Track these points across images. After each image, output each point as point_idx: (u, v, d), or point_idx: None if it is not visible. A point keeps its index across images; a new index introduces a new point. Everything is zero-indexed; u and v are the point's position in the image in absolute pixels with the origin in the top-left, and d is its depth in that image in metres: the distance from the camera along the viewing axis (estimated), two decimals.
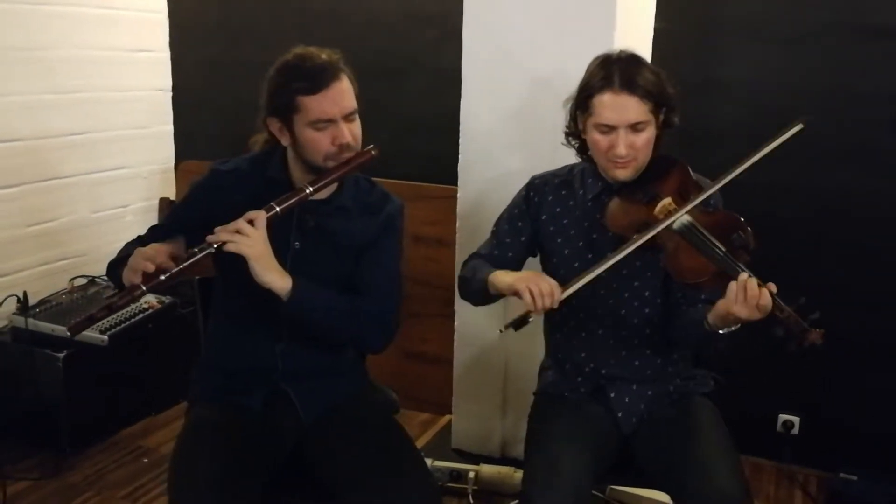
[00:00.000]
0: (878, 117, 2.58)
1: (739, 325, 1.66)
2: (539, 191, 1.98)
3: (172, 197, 3.63)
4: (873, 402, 2.74)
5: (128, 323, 2.91)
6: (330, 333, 1.84)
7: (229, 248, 1.63)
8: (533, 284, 1.71)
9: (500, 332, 1.83)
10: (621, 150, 1.75)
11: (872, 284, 2.67)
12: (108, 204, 3.41)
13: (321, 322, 1.79)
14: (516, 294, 1.74)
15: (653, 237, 1.73)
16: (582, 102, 1.81)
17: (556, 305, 1.72)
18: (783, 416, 2.85)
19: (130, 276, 1.62)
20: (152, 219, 3.57)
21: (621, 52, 1.81)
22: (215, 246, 1.63)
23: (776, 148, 1.73)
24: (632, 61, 1.77)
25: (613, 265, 1.74)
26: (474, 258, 2.03)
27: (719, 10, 2.70)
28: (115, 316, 2.81)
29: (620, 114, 1.74)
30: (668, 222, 1.72)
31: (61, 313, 2.92)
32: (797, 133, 1.73)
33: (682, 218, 1.72)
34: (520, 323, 1.75)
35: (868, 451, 2.75)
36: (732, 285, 1.59)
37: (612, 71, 1.75)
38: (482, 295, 1.92)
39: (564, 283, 1.75)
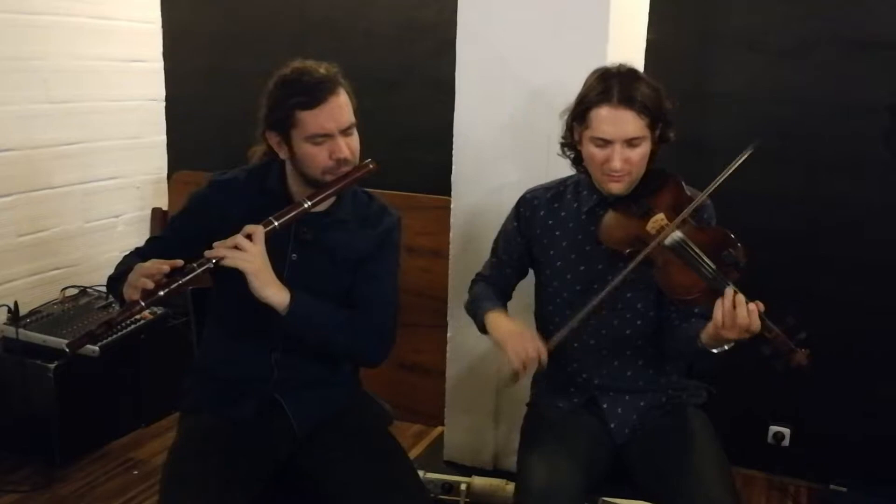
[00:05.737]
0: (872, 129, 2.60)
1: (733, 344, 1.66)
2: (529, 206, 1.99)
3: (165, 207, 3.63)
4: (863, 412, 2.75)
5: (119, 334, 2.88)
6: (327, 346, 1.84)
7: (227, 263, 1.63)
8: (521, 349, 1.76)
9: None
10: (616, 164, 1.76)
11: (864, 295, 2.68)
12: (101, 214, 3.40)
13: (318, 335, 1.79)
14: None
15: (644, 256, 1.73)
16: (579, 114, 1.81)
17: (544, 366, 1.78)
18: (774, 428, 2.85)
19: (130, 293, 1.62)
20: (144, 229, 3.56)
21: (620, 66, 1.80)
22: (214, 261, 1.63)
23: (733, 172, 1.74)
24: (631, 76, 1.77)
25: (595, 306, 1.76)
26: (478, 281, 2.07)
27: (712, 21, 2.72)
28: None
29: (617, 128, 1.74)
30: (656, 241, 1.72)
31: (53, 324, 2.91)
32: (748, 157, 1.75)
33: (673, 234, 1.72)
34: (514, 380, 1.80)
35: (858, 461, 2.76)
36: (718, 312, 1.59)
37: (611, 85, 1.75)
38: (483, 331, 1.96)
39: (547, 335, 1.81)
